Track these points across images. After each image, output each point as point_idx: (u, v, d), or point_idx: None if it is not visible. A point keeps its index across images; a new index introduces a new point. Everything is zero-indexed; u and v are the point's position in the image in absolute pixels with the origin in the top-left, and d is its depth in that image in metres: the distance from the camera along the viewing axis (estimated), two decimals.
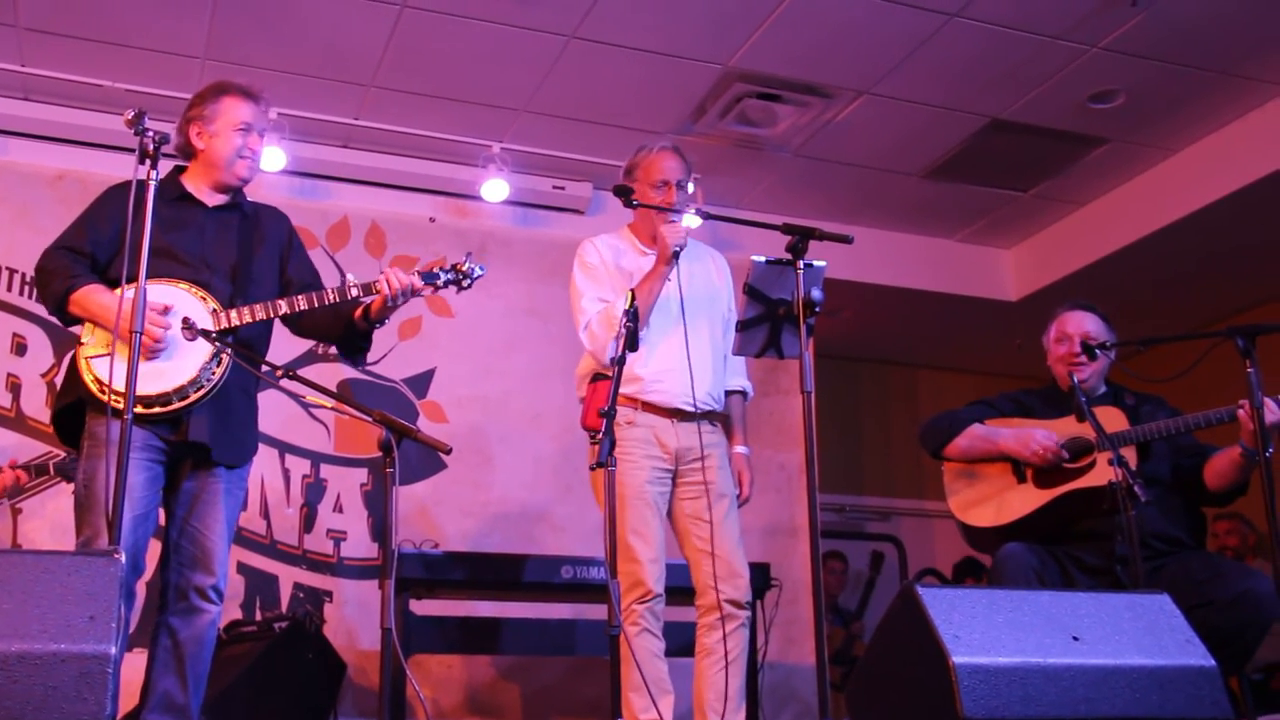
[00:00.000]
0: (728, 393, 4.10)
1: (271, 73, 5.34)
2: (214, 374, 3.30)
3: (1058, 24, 5.09)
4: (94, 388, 3.20)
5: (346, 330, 3.55)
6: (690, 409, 3.87)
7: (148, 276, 3.16)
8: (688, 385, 3.84)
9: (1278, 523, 3.36)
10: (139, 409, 3.19)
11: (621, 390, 3.74)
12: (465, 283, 3.59)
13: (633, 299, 3.42)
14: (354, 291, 3.42)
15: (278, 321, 3.55)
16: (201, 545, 3.36)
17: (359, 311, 3.50)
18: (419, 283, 3.45)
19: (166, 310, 3.24)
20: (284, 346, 3.76)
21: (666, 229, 3.82)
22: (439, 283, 3.55)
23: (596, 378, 3.70)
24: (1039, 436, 3.92)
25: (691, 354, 3.85)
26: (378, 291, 3.42)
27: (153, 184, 3.03)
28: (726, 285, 4.17)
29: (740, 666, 3.81)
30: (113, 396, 3.02)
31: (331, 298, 3.43)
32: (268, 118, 3.61)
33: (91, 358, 3.24)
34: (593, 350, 3.92)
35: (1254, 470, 3.73)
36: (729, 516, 3.89)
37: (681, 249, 3.82)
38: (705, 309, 4.02)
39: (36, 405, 5.34)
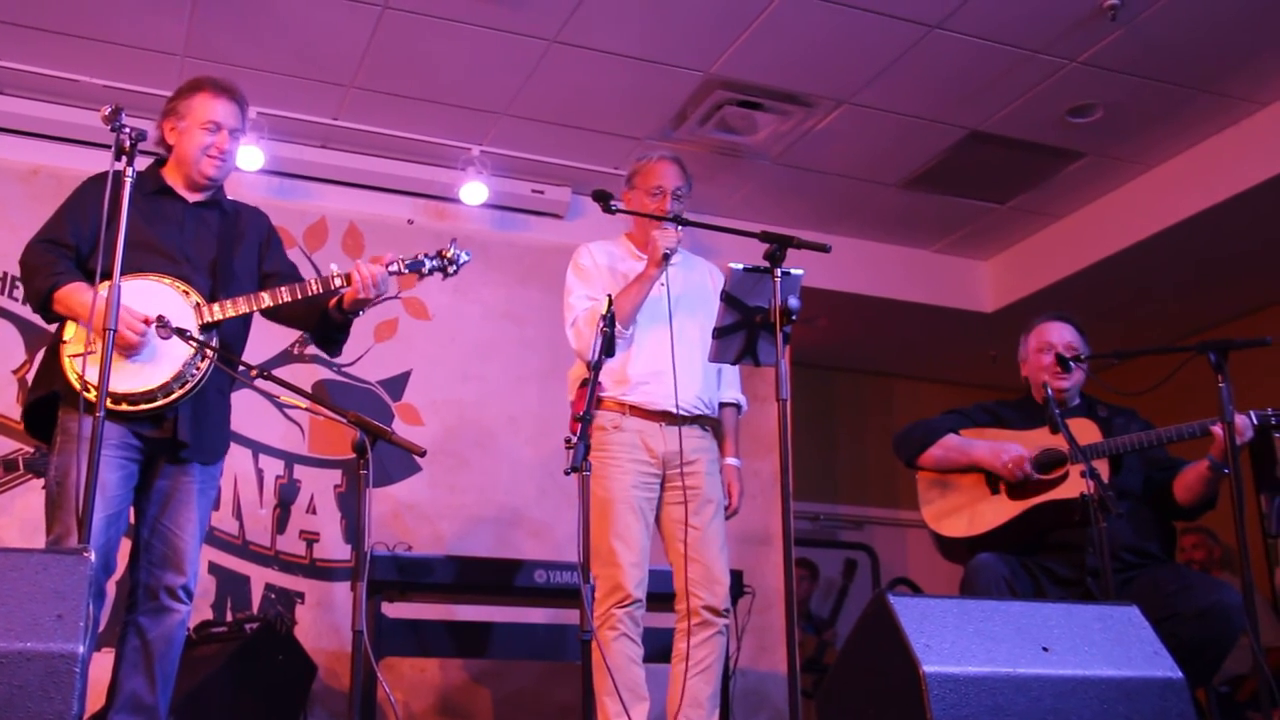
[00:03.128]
0: (722, 404, 4.13)
1: (251, 71, 5.32)
2: (197, 370, 3.29)
3: (1037, 38, 5.12)
4: (76, 385, 3.18)
5: (321, 322, 3.54)
6: (676, 412, 3.89)
7: (129, 269, 3.17)
8: (673, 388, 3.86)
9: (1246, 536, 3.39)
10: (123, 406, 3.19)
11: (609, 393, 3.78)
12: (451, 269, 3.58)
13: (610, 304, 3.43)
14: (337, 282, 3.41)
15: (254, 317, 3.54)
16: (173, 544, 3.34)
17: (333, 302, 3.48)
18: (384, 270, 3.42)
19: (149, 322, 3.22)
20: (260, 345, 3.75)
21: (658, 233, 3.87)
22: (424, 269, 3.55)
23: (585, 384, 3.71)
24: (1012, 450, 3.94)
25: (679, 358, 3.88)
26: (336, 287, 3.41)
27: (129, 180, 3.01)
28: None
29: (715, 673, 3.83)
30: (94, 393, 3.00)
31: (314, 289, 3.42)
32: (244, 117, 3.57)
33: (74, 356, 3.22)
34: (577, 349, 3.96)
35: (1222, 484, 3.77)
36: (713, 523, 3.91)
37: (672, 253, 3.86)
38: (697, 315, 4.03)
39: (7, 402, 5.29)
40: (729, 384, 4.15)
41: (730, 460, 4.10)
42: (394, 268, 3.49)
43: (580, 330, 3.93)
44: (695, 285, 4.11)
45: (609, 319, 3.41)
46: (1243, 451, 3.66)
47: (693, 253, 4.35)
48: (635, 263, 4.05)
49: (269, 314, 3.59)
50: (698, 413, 3.98)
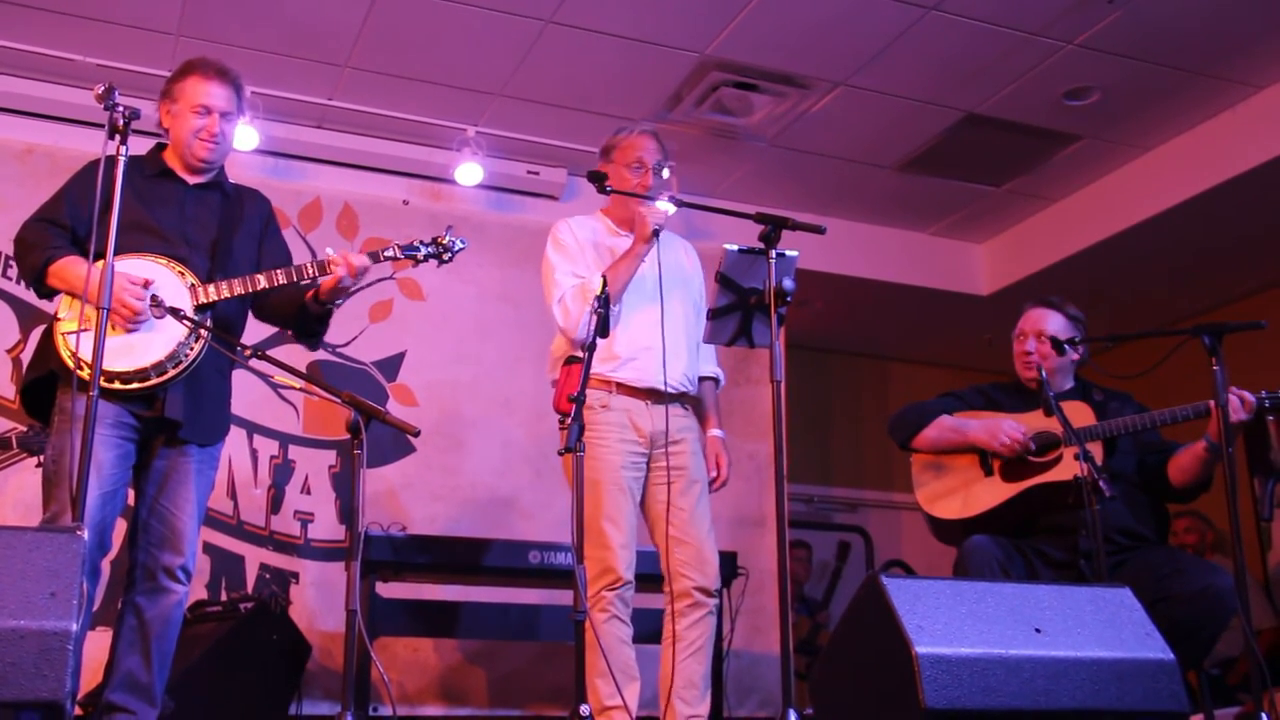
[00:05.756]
0: (700, 378, 4.11)
1: (246, 51, 5.30)
2: (191, 350, 3.28)
3: (1035, 20, 5.12)
4: (70, 362, 3.17)
5: (299, 313, 3.52)
6: (664, 389, 3.88)
7: (126, 249, 3.17)
8: (661, 365, 3.85)
9: (1238, 520, 3.39)
10: (115, 385, 3.18)
11: (595, 371, 3.73)
12: (446, 256, 3.58)
13: (604, 285, 3.42)
14: (334, 267, 3.41)
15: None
16: (171, 525, 3.34)
17: (310, 294, 3.46)
18: (369, 262, 3.40)
19: (148, 284, 3.21)
20: (254, 326, 3.74)
21: (646, 209, 3.83)
22: (419, 256, 3.54)
23: (570, 360, 3.69)
24: (1007, 426, 3.95)
25: (666, 335, 3.86)
26: (331, 272, 3.39)
27: (122, 159, 3.01)
28: (697, 272, 4.18)
29: (707, 654, 3.83)
30: (88, 371, 2.99)
31: (310, 272, 3.41)
32: (238, 99, 3.54)
33: (67, 333, 3.21)
34: (564, 326, 3.89)
35: (1217, 465, 3.77)
36: (700, 503, 3.90)
37: (661, 229, 3.83)
38: (679, 293, 4.03)
39: (1, 380, 5.28)
40: (706, 358, 4.13)
41: (714, 432, 4.09)
42: (389, 253, 3.49)
43: (568, 307, 3.87)
44: (677, 264, 4.09)
45: (603, 299, 3.40)
46: (1237, 434, 3.66)
47: (685, 233, 4.35)
48: (615, 239, 4.02)
49: (255, 310, 3.58)
50: (682, 390, 3.97)
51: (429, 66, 5.55)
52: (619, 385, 3.88)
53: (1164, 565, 3.72)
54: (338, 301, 3.49)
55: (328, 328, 3.64)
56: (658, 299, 3.90)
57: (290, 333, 3.67)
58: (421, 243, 3.55)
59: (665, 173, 4.02)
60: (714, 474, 4.01)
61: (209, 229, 3.48)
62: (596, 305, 3.38)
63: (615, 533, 3.75)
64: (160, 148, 3.56)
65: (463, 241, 3.60)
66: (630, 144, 4.01)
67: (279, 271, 3.39)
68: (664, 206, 3.89)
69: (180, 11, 5.11)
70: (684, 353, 3.97)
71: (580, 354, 3.41)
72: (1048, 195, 6.85)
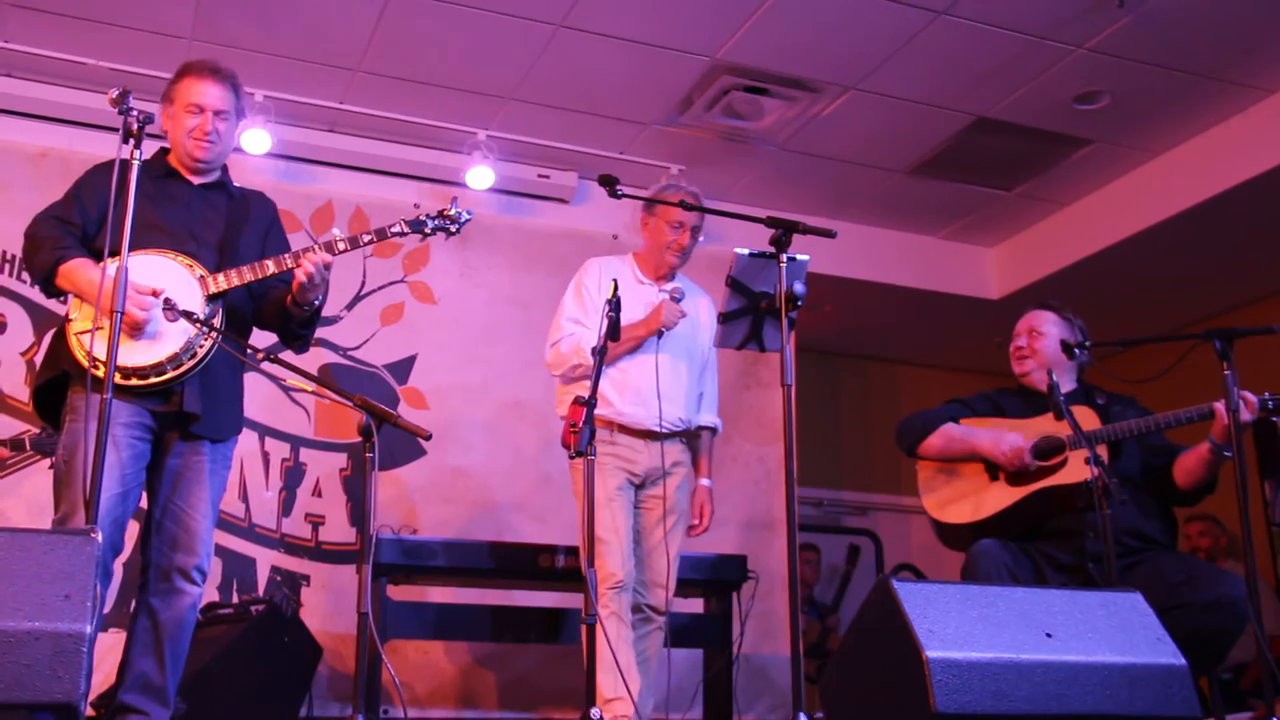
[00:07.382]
0: (699, 427, 4.32)
1: (258, 55, 5.32)
2: (204, 342, 3.29)
3: (1045, 24, 5.11)
4: (84, 362, 3.17)
5: (282, 316, 3.53)
6: (659, 430, 4.09)
7: (136, 247, 3.17)
8: (656, 411, 4.05)
9: (1250, 523, 3.39)
10: (133, 381, 3.19)
11: (599, 412, 3.89)
12: (453, 228, 3.63)
13: (615, 287, 3.49)
14: (341, 246, 3.43)
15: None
16: (185, 525, 3.34)
17: (289, 299, 3.47)
18: (328, 257, 3.40)
19: (157, 294, 3.22)
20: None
21: (667, 308, 4.04)
22: (427, 229, 3.59)
23: (577, 401, 3.82)
24: (1011, 440, 3.95)
25: (665, 384, 4.06)
26: (298, 265, 3.39)
27: (136, 164, 3.02)
28: (711, 327, 4.27)
29: (653, 666, 4.12)
30: (104, 370, 3.00)
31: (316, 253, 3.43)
32: (235, 98, 3.54)
33: (81, 333, 3.22)
34: (549, 362, 4.20)
35: (1222, 467, 3.77)
36: (673, 533, 4.15)
37: (669, 329, 4.06)
38: (684, 344, 4.21)
39: (15, 383, 5.31)
40: (707, 408, 4.35)
41: (704, 481, 4.32)
42: (396, 229, 3.55)
43: (560, 352, 4.13)
44: (689, 319, 4.21)
45: (615, 303, 3.43)
46: (1245, 435, 3.64)
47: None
48: (637, 286, 4.21)
49: (255, 317, 3.60)
50: (679, 429, 4.19)
51: (440, 70, 5.56)
52: (621, 427, 4.10)
53: (1177, 573, 3.69)
54: (315, 301, 3.49)
55: (313, 331, 3.66)
56: (655, 351, 4.09)
57: (280, 340, 3.69)
58: (428, 216, 3.61)
59: (700, 238, 4.25)
60: (696, 521, 4.27)
61: (216, 227, 3.49)
62: (608, 309, 3.42)
63: (614, 539, 3.94)
64: (165, 151, 3.59)
65: (468, 212, 3.68)
66: (673, 207, 4.16)
67: (286, 256, 3.41)
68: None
69: (193, 16, 5.13)
70: (682, 398, 4.19)
71: (588, 359, 3.46)
72: (1058, 199, 6.84)
